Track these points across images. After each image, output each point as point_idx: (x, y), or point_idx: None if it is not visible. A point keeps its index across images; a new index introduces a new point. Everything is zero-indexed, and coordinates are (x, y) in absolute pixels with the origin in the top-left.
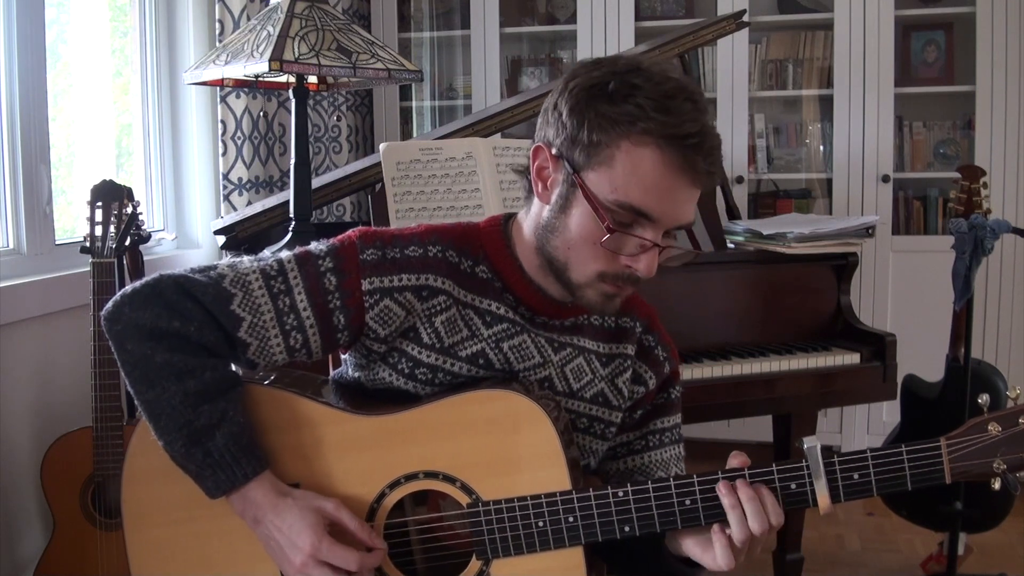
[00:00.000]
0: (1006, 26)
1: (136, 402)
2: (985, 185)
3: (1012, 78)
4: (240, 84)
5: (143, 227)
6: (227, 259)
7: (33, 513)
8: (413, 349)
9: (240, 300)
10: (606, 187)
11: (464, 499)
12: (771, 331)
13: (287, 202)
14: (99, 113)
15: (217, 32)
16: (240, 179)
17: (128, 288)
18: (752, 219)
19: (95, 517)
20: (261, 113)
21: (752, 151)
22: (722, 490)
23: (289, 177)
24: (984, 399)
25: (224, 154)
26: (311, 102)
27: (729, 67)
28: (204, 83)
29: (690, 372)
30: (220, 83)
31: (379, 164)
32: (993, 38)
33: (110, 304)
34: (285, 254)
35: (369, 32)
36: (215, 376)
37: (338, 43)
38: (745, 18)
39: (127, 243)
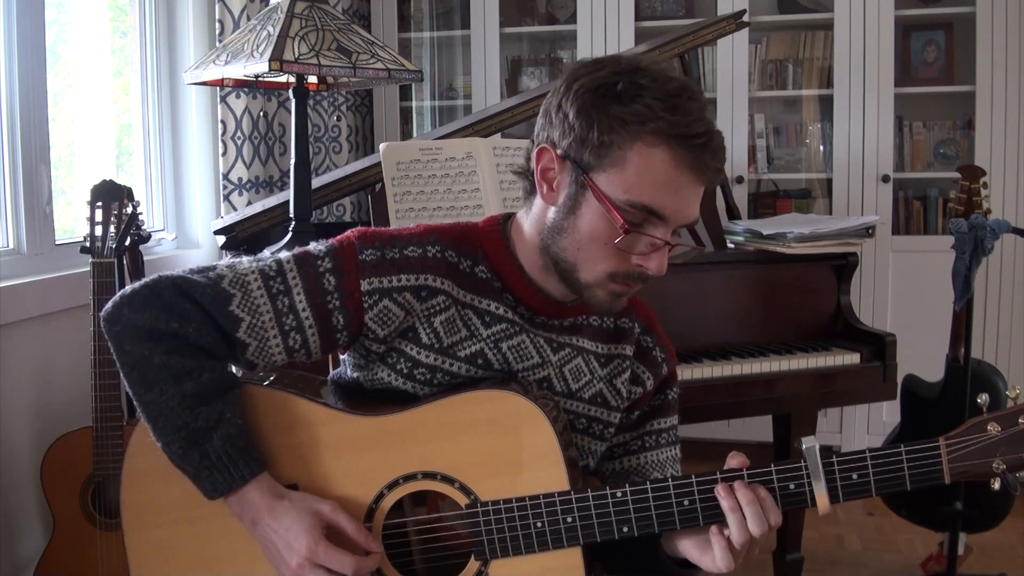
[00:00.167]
0: (1006, 26)
1: (135, 403)
2: (985, 185)
3: (1012, 78)
4: (240, 84)
5: (143, 227)
6: (226, 260)
7: (33, 513)
8: (412, 349)
9: (239, 301)
10: (618, 188)
11: (463, 500)
12: (771, 331)
13: (287, 202)
14: (99, 113)
15: (217, 32)
16: (240, 179)
17: (127, 289)
18: (752, 219)
19: (95, 517)
20: (261, 113)
21: (752, 151)
22: (721, 493)
23: (289, 177)
24: (983, 399)
25: (224, 154)
26: (311, 102)
27: (729, 67)
28: (204, 83)
29: (690, 372)
30: (220, 83)
31: (379, 164)
32: (993, 38)
33: (109, 305)
34: (284, 255)
35: (369, 32)
36: (213, 378)
37: (338, 43)
38: (745, 18)
39: (127, 243)
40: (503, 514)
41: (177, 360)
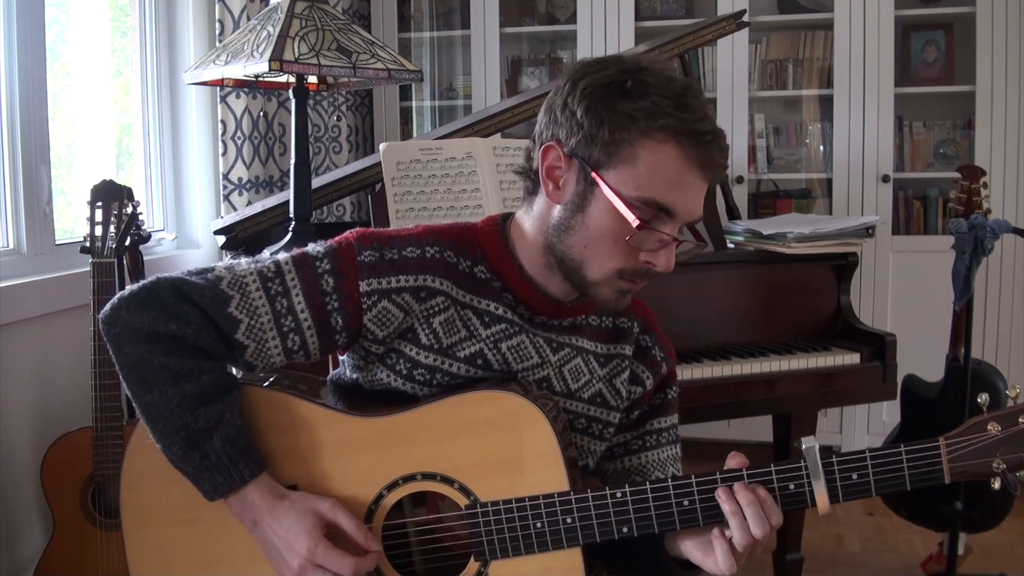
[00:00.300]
0: (1006, 26)
1: (134, 405)
2: (985, 185)
3: (1012, 78)
4: (240, 84)
5: (143, 227)
6: (225, 261)
7: (33, 513)
8: (411, 350)
9: (237, 302)
10: (629, 184)
11: (462, 500)
12: (771, 331)
13: (287, 202)
14: (99, 113)
15: (217, 32)
16: (240, 179)
17: (125, 291)
18: (752, 219)
19: (95, 517)
20: (261, 113)
21: (752, 151)
22: (722, 496)
23: (289, 177)
24: (983, 399)
25: (224, 154)
26: (311, 102)
27: (729, 67)
28: (204, 83)
29: (690, 372)
30: (220, 83)
31: (379, 164)
32: (993, 38)
33: (107, 307)
34: (283, 256)
35: (369, 32)
36: (212, 379)
37: (338, 43)
38: (745, 18)
39: (127, 243)
40: (503, 515)
41: (176, 361)
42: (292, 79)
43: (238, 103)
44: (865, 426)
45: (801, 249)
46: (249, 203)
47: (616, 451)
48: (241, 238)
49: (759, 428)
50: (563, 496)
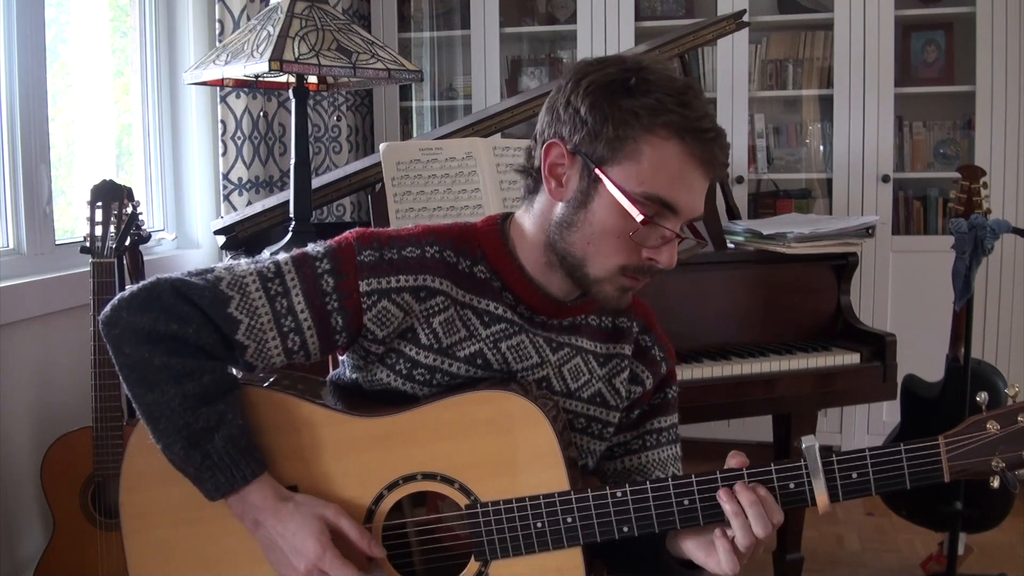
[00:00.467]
0: (1006, 26)
1: (134, 405)
2: (985, 185)
3: (1012, 78)
4: (240, 84)
5: (143, 227)
6: (225, 261)
7: (33, 513)
8: (411, 350)
9: (237, 303)
10: (633, 180)
11: (462, 500)
12: (771, 331)
13: (287, 202)
14: (99, 113)
15: (217, 32)
16: (240, 179)
17: (125, 292)
18: (752, 219)
19: (95, 517)
20: (261, 113)
21: (752, 151)
22: (723, 497)
23: (289, 177)
24: (983, 397)
25: (224, 154)
26: (311, 102)
27: (729, 67)
28: (204, 83)
29: (690, 372)
30: (220, 83)
31: (379, 164)
32: (993, 38)
33: (107, 308)
34: (282, 256)
35: (369, 32)
36: (213, 378)
37: (338, 43)
38: (745, 18)
39: (127, 243)
40: (503, 514)
41: (177, 361)
42: (292, 79)
43: (238, 103)
44: (865, 426)
45: (801, 249)
46: (249, 203)
47: (616, 451)
48: (241, 238)
49: (759, 428)
50: (563, 496)
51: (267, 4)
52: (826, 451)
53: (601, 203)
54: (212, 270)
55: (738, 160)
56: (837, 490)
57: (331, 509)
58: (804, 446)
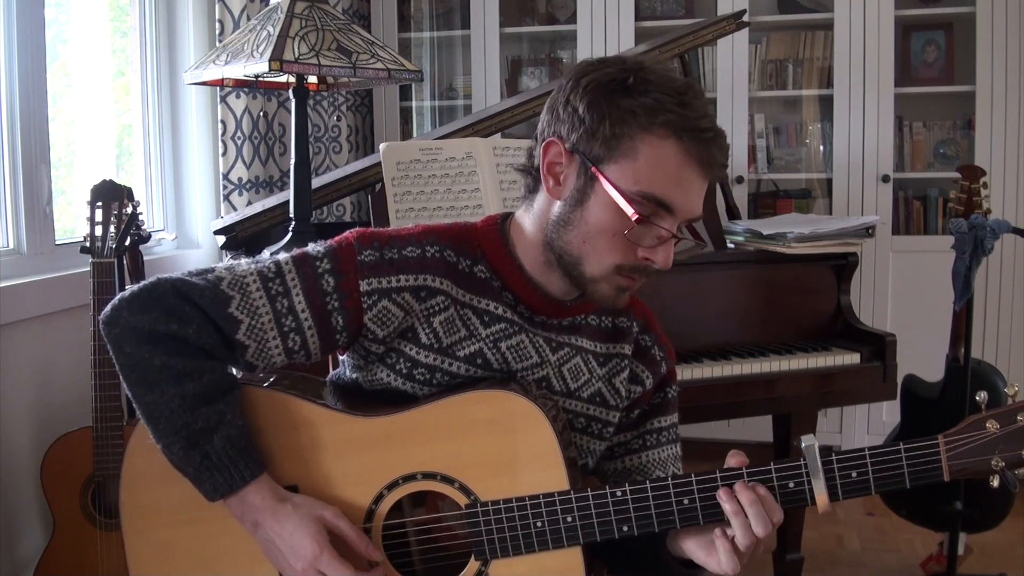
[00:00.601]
0: (1006, 26)
1: (135, 405)
2: (985, 185)
3: (1012, 78)
4: (240, 84)
5: (143, 227)
6: (225, 262)
7: (33, 513)
8: (411, 349)
9: (238, 302)
10: (629, 179)
11: (462, 500)
12: (771, 331)
13: (287, 202)
14: (99, 113)
15: (217, 32)
16: (240, 179)
17: (125, 292)
18: (752, 219)
19: (95, 517)
20: (261, 113)
21: (752, 151)
22: (723, 496)
23: (289, 177)
24: (982, 396)
25: (224, 154)
26: (311, 102)
27: (729, 67)
28: (204, 83)
29: (690, 372)
30: (220, 83)
31: (379, 164)
32: (993, 38)
33: (108, 308)
34: (283, 256)
35: (369, 32)
36: (213, 379)
37: (338, 43)
38: (745, 18)
39: (127, 243)
40: (503, 514)
41: (177, 361)
42: (292, 79)
43: (238, 103)
44: (865, 426)
45: (801, 249)
46: (249, 203)
47: (616, 451)
48: (241, 238)
49: (759, 428)
50: (563, 495)
51: (267, 4)
52: (826, 450)
53: (597, 201)
54: (213, 270)
55: (738, 160)
56: (837, 489)
57: (330, 511)
58: (804, 445)
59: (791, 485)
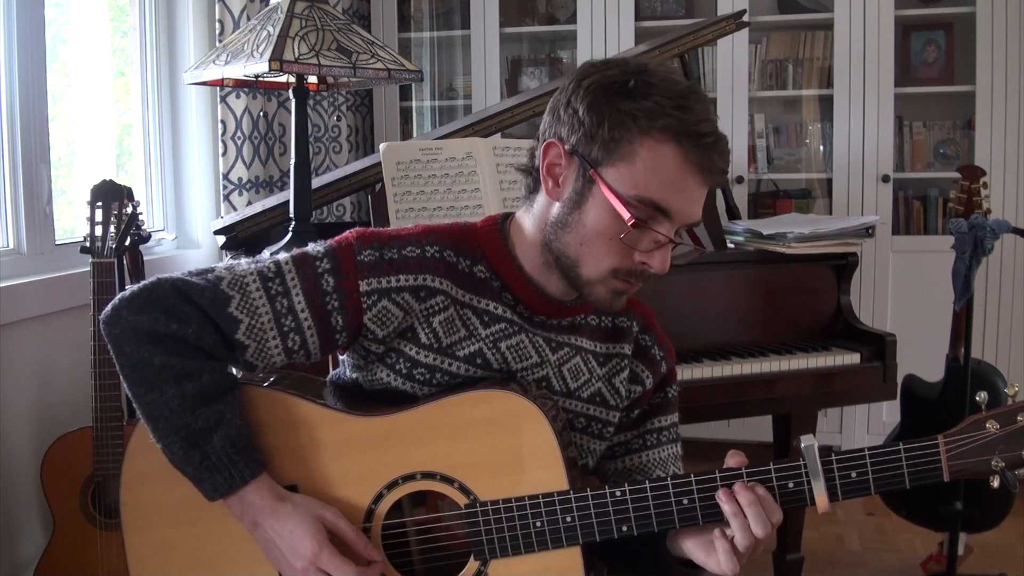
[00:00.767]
0: (1006, 26)
1: (135, 405)
2: (985, 185)
3: (1012, 78)
4: (240, 84)
5: (143, 227)
6: (225, 261)
7: (33, 513)
8: (411, 349)
9: (237, 302)
10: (627, 183)
11: (462, 499)
12: (771, 331)
13: (287, 202)
14: (99, 113)
15: (217, 32)
16: (240, 179)
17: (125, 292)
18: (752, 219)
19: (95, 517)
20: (261, 113)
21: (752, 151)
22: (722, 497)
23: (289, 177)
24: (982, 396)
25: (224, 154)
26: (311, 102)
27: (729, 67)
28: (204, 83)
29: (690, 372)
30: (220, 83)
31: (379, 164)
32: (993, 38)
33: (108, 308)
34: (283, 256)
35: (369, 32)
36: (213, 378)
37: (338, 43)
38: (745, 18)
39: (127, 243)
40: (502, 514)
41: (177, 361)
42: (292, 79)
43: (238, 103)
44: (865, 426)
45: (801, 249)
46: (249, 203)
47: (617, 450)
48: (241, 238)
49: (759, 428)
50: (563, 495)
51: (267, 4)
52: (825, 451)
53: (595, 204)
54: (212, 270)
55: (738, 160)
56: (836, 489)
57: (330, 510)
58: (803, 445)
59: (790, 485)
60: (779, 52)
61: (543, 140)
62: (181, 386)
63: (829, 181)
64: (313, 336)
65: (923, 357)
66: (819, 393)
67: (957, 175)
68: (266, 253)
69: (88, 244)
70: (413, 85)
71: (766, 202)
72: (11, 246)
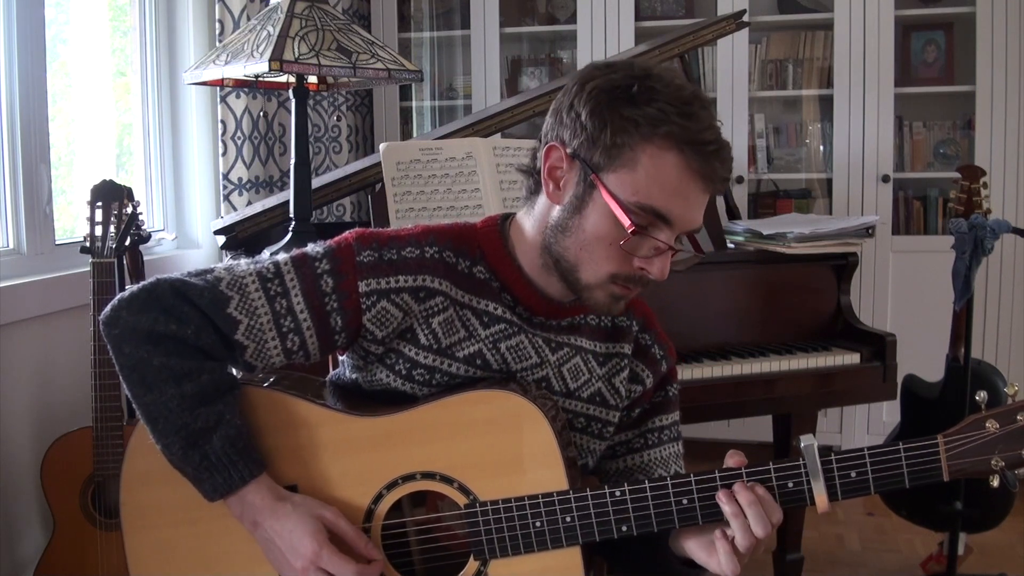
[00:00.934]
0: (1006, 26)
1: (134, 405)
2: (985, 185)
3: (1012, 78)
4: (240, 84)
5: (143, 227)
6: (224, 262)
7: (33, 513)
8: (410, 350)
9: (237, 303)
10: (627, 189)
11: (462, 499)
12: (771, 331)
13: (287, 202)
14: (99, 113)
15: (217, 32)
16: (240, 179)
17: (125, 293)
18: (752, 219)
19: (95, 517)
20: (261, 113)
21: (752, 151)
22: (722, 498)
23: (289, 177)
24: (982, 396)
25: (224, 154)
26: (311, 102)
27: (729, 67)
28: (204, 83)
29: (690, 372)
30: (220, 83)
31: (379, 164)
32: (993, 38)
33: (108, 309)
34: (282, 256)
35: (369, 32)
36: (212, 379)
37: (338, 43)
38: (745, 18)
39: (127, 243)
40: (502, 514)
41: (176, 361)
42: (292, 79)
43: (238, 103)
44: (865, 426)
45: (801, 249)
46: (249, 203)
47: (618, 450)
48: (241, 238)
49: (759, 428)
50: (562, 495)
51: (267, 4)
52: (825, 450)
53: (595, 209)
54: (212, 270)
55: (738, 160)
56: (836, 489)
57: (330, 511)
58: (803, 445)
59: (790, 485)
60: (779, 52)
61: (545, 143)
62: (180, 386)
63: (829, 181)
64: (312, 337)
65: (923, 357)
66: (819, 393)
67: (957, 175)
68: (266, 253)
69: (88, 244)
70: (413, 85)
71: (766, 202)
72: (11, 246)
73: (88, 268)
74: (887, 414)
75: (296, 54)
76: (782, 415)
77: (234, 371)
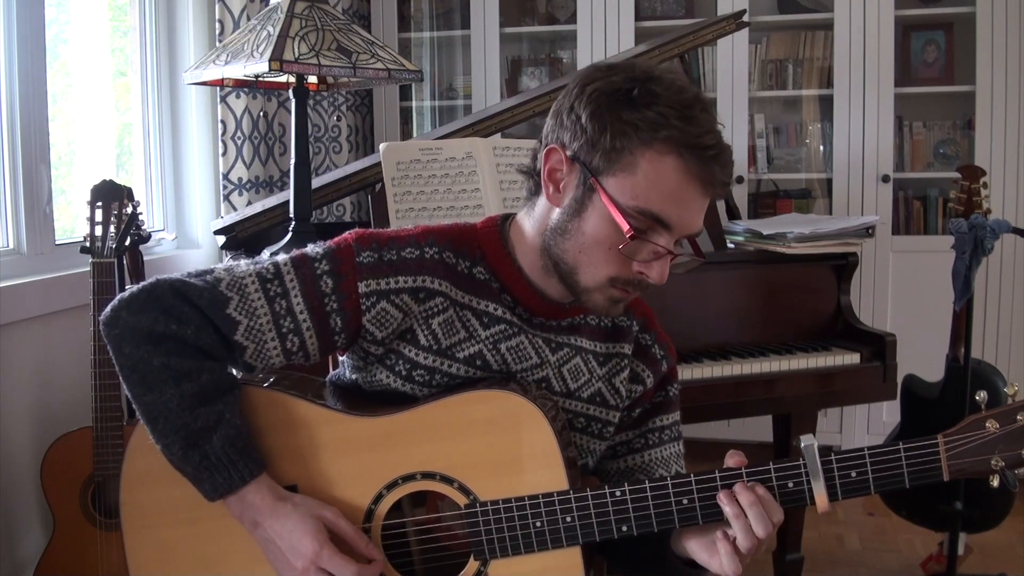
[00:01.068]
0: (1006, 26)
1: (134, 405)
2: (985, 185)
3: (1012, 78)
4: (240, 84)
5: (143, 227)
6: (224, 262)
7: (33, 513)
8: (410, 351)
9: (236, 303)
10: (627, 193)
11: (462, 499)
12: (771, 331)
13: (287, 202)
14: (99, 113)
15: (217, 32)
16: (240, 179)
17: (125, 293)
18: (752, 219)
19: (95, 517)
20: (261, 113)
21: (752, 151)
22: (723, 499)
23: (289, 177)
24: (982, 396)
25: (224, 154)
26: (311, 102)
27: (729, 67)
28: (204, 83)
29: (690, 372)
30: (220, 83)
31: (379, 164)
32: (993, 38)
33: (108, 309)
34: (282, 257)
35: (369, 32)
36: (212, 379)
37: (338, 43)
38: (745, 18)
39: (127, 243)
40: (502, 514)
41: (176, 361)
42: (292, 79)
43: (238, 103)
44: (865, 426)
45: (801, 249)
46: (249, 203)
47: (619, 450)
48: (241, 238)
49: (759, 428)
50: (562, 495)
51: (267, 4)
52: (825, 450)
53: (594, 213)
54: (212, 271)
55: (738, 160)
56: (836, 489)
57: (330, 510)
58: (803, 445)
59: (790, 485)
60: (779, 52)
61: (545, 144)
62: (180, 386)
63: (829, 181)
64: (312, 338)
65: (923, 357)
66: (819, 393)
67: (957, 175)
68: (266, 253)
69: (88, 244)
70: (413, 85)
71: (766, 202)
72: (11, 246)
73: (88, 268)
74: (887, 414)
75: (296, 54)
76: (782, 415)
77: (234, 371)
